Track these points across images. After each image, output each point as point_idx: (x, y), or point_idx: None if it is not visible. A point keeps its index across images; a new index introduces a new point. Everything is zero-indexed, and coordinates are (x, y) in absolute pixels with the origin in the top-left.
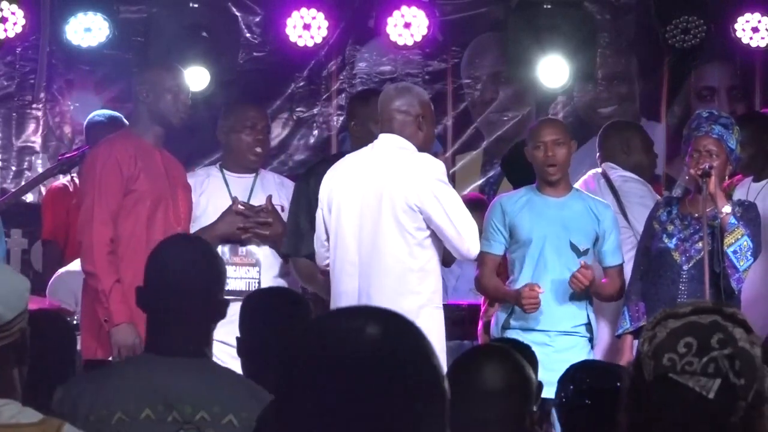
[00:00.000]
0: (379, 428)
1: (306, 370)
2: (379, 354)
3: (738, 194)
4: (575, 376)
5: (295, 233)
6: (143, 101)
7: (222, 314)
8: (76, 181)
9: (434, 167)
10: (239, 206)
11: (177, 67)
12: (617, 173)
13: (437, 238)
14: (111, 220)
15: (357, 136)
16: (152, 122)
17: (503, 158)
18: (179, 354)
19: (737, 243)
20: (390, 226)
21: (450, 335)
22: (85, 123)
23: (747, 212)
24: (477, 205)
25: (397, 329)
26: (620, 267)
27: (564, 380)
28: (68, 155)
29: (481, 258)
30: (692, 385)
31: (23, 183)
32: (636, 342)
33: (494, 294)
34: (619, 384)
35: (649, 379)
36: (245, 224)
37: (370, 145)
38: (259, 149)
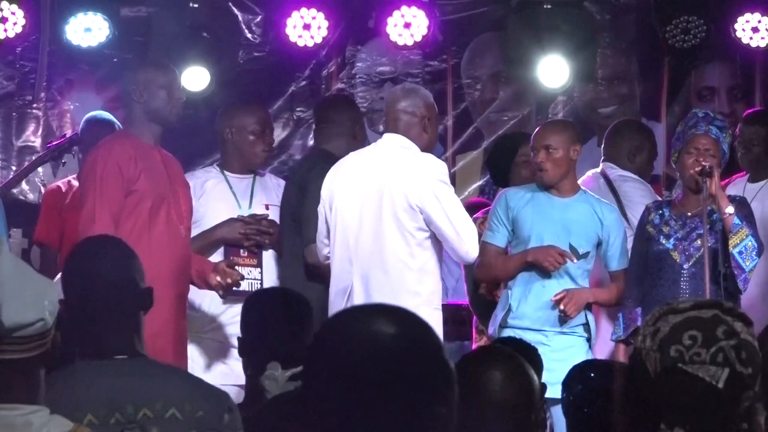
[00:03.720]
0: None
1: (324, 370)
2: (395, 353)
3: (731, 193)
4: (582, 375)
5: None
6: (137, 101)
7: (149, 302)
8: (72, 182)
9: (436, 168)
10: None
11: (168, 65)
12: (616, 173)
13: (437, 239)
14: (112, 221)
15: None
16: (149, 121)
17: (487, 157)
18: (113, 354)
19: (742, 243)
20: (390, 225)
21: (451, 336)
22: (82, 122)
23: (742, 209)
24: (479, 210)
25: (411, 327)
26: (625, 272)
27: (571, 380)
28: (56, 142)
29: (483, 248)
30: (702, 375)
31: (22, 183)
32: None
33: (503, 268)
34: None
35: (656, 371)
36: (247, 231)
37: (373, 144)
38: (268, 151)
